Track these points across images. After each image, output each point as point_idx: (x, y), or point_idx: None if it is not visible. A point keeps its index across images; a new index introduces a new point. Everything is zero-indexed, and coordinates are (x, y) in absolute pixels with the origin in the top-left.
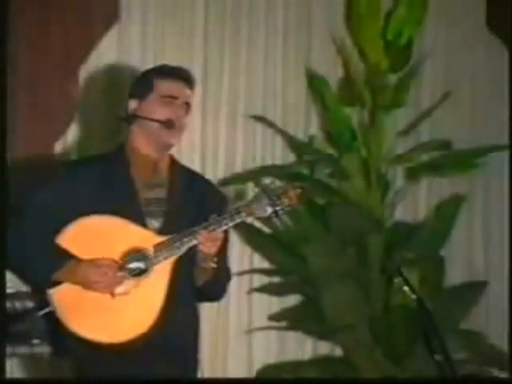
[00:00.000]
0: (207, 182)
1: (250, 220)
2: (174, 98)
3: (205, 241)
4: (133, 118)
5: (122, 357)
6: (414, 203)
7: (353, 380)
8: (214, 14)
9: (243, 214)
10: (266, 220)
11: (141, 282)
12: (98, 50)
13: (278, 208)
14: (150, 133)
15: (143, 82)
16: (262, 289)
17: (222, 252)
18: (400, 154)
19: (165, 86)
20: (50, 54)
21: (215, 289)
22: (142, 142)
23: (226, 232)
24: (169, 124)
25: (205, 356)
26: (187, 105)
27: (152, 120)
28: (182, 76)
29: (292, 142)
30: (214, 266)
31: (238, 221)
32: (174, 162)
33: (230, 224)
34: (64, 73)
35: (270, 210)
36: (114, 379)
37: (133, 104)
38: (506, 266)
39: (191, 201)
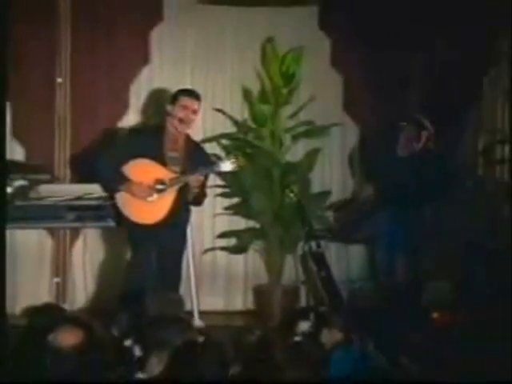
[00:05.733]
0: (203, 150)
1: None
2: (186, 107)
3: (193, 180)
4: (168, 114)
5: (150, 229)
6: (295, 152)
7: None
8: (199, 57)
9: (213, 169)
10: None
11: (161, 195)
12: (138, 77)
13: (230, 168)
14: (173, 122)
15: (174, 97)
16: (220, 194)
17: (204, 185)
18: (288, 128)
19: (182, 100)
20: (108, 78)
21: (197, 200)
22: (169, 126)
23: (206, 176)
24: (181, 120)
25: (192, 225)
26: (194, 111)
27: (174, 117)
28: (191, 94)
29: (235, 122)
30: (197, 191)
31: (210, 172)
32: (188, 138)
33: (203, 173)
34: (118, 87)
35: (225, 168)
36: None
37: (169, 107)
38: (339, 183)
39: (194, 159)
